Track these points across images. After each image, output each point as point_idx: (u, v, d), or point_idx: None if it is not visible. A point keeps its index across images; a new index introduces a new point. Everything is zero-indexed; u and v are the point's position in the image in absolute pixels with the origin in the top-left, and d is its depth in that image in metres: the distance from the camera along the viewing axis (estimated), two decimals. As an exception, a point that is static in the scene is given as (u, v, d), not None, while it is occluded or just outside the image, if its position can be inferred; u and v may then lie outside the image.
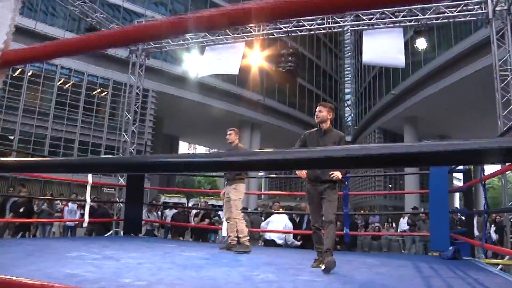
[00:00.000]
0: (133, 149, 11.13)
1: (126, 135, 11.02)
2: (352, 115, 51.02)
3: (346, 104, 52.80)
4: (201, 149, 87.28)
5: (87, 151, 23.94)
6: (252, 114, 32.11)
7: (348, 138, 46.96)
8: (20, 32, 21.56)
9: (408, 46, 22.32)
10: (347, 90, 52.95)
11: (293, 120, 35.99)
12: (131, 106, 11.06)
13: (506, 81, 7.25)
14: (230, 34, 10.30)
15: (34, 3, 23.07)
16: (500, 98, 7.19)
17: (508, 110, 7.13)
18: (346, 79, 53.48)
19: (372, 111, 35.63)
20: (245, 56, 10.64)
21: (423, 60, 24.64)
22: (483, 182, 4.42)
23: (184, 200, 29.07)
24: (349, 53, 52.31)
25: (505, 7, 7.56)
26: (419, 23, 8.62)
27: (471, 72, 19.11)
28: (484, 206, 4.43)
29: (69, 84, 24.48)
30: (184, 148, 74.22)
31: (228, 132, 5.85)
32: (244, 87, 30.62)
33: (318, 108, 4.39)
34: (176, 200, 26.75)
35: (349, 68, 52.58)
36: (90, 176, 7.31)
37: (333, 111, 4.47)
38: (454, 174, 8.30)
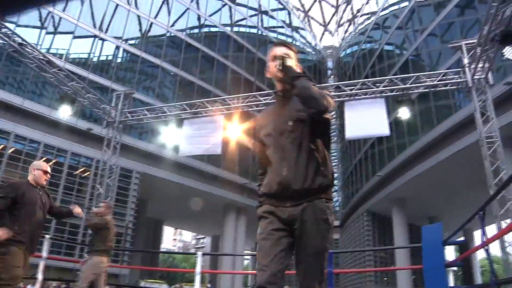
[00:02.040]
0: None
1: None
2: (339, 199, 50.56)
3: (333, 189, 52.44)
4: (187, 234, 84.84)
5: (64, 231, 22.74)
6: (237, 198, 31.43)
7: (336, 223, 45.96)
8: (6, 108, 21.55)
9: (393, 126, 22.50)
10: (334, 175, 52.96)
11: (280, 203, 35.33)
12: (104, 179, 10.51)
13: (492, 148, 6.96)
14: (209, 106, 10.11)
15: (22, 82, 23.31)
16: (490, 165, 6.84)
17: (498, 177, 6.75)
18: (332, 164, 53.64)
19: (359, 194, 35.24)
20: (224, 129, 10.36)
21: (408, 141, 24.82)
22: (487, 247, 3.80)
23: (165, 286, 27.34)
24: (334, 138, 53.25)
25: (483, 76, 7.51)
26: (401, 92, 8.52)
27: (457, 149, 19.12)
28: (491, 276, 3.73)
29: (51, 163, 23.94)
30: (169, 233, 72.00)
31: (100, 204, 6.03)
32: (229, 169, 30.33)
33: (275, 52, 2.27)
34: (156, 286, 25.14)
35: (335, 153, 53.13)
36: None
37: (296, 54, 2.34)
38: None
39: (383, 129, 8.30)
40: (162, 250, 45.60)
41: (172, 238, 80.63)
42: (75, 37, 26.10)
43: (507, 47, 6.42)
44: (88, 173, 25.28)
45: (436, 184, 23.23)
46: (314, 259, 2.08)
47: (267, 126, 2.28)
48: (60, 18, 25.61)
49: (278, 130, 2.20)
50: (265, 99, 9.64)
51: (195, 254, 7.06)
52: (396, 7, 29.33)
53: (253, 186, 32.56)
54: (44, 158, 23.65)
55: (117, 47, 27.89)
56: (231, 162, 29.21)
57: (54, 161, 24.02)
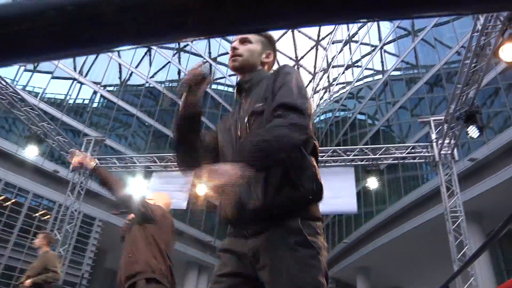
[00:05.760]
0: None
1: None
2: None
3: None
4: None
5: (11, 277, 21.33)
6: (200, 256, 30.54)
7: None
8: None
9: (361, 195, 22.68)
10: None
11: (244, 263, 34.45)
12: (64, 225, 10.09)
13: (457, 223, 7.08)
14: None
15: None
16: (454, 240, 6.93)
17: (462, 252, 6.82)
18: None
19: (325, 259, 34.70)
20: (192, 185, 10.21)
21: (376, 210, 25.01)
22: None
23: None
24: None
25: (449, 152, 7.80)
26: (371, 162, 8.71)
27: (422, 222, 19.33)
28: None
29: (9, 202, 22.93)
30: (126, 286, 68.65)
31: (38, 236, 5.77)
32: (194, 226, 29.72)
33: (233, 45, 1.76)
34: None
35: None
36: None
37: (271, 44, 1.82)
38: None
39: (351, 207, 8.36)
40: (116, 304, 43.07)
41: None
42: (53, 78, 26.05)
43: (470, 126, 6.77)
44: (48, 216, 24.22)
45: (400, 255, 23.23)
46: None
47: (226, 133, 1.71)
48: (41, 58, 25.57)
49: (236, 131, 1.64)
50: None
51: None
52: (370, 79, 30.65)
53: (218, 244, 31.76)
54: (2, 197, 22.65)
55: (95, 92, 27.90)
56: (197, 218, 28.71)
57: (13, 200, 23.03)
